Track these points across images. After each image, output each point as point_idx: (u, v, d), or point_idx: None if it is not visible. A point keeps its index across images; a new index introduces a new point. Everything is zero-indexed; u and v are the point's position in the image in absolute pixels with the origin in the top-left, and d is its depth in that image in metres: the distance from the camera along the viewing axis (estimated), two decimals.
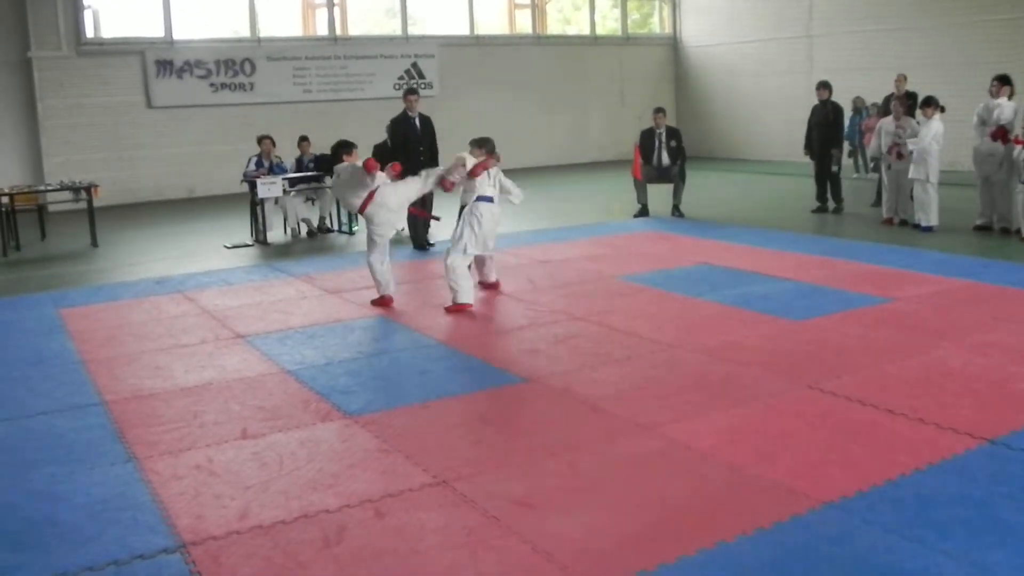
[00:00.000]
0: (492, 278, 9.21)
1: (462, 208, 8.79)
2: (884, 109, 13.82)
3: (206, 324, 8.30)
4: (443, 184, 8.69)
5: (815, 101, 14.10)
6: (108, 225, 14.68)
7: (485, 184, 8.67)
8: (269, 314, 8.50)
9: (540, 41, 24.38)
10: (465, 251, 8.52)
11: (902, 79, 13.86)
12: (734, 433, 5.14)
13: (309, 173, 13.48)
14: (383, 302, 8.69)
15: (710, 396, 5.80)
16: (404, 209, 8.67)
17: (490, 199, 8.71)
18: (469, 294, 8.44)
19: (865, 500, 4.23)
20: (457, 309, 8.35)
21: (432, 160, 11.45)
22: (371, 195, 8.35)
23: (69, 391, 6.47)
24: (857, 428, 5.13)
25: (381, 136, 13.98)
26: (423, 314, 8.36)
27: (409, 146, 11.49)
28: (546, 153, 23.81)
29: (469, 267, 8.70)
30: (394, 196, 8.49)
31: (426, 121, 11.82)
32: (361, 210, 8.49)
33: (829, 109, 13.73)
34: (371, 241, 8.64)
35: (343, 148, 8.70)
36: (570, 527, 4.11)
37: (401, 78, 22.05)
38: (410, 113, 11.71)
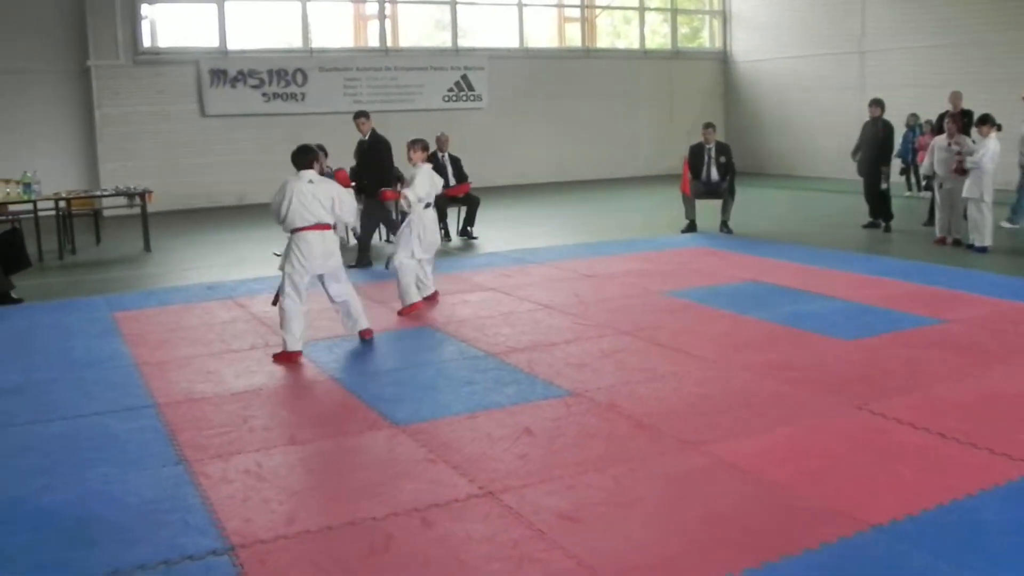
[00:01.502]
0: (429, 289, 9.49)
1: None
2: (938, 127, 13.65)
3: (256, 330, 8.40)
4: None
5: (866, 118, 13.99)
6: (161, 231, 14.90)
7: (433, 189, 9.20)
8: (317, 321, 8.57)
9: (590, 55, 24.41)
10: (413, 255, 8.95)
11: (957, 96, 13.68)
12: (781, 452, 5.11)
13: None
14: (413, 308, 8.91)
15: (757, 415, 5.77)
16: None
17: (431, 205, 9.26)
18: (416, 295, 8.96)
19: (915, 524, 4.18)
20: (411, 310, 8.81)
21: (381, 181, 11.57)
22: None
23: (122, 393, 6.58)
24: (907, 451, 5.08)
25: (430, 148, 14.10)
26: (470, 325, 8.39)
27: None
28: (595, 167, 23.83)
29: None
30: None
31: (371, 143, 11.88)
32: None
33: (880, 127, 13.62)
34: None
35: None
36: (615, 543, 4.12)
37: (451, 90, 22.20)
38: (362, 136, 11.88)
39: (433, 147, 14.01)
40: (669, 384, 6.47)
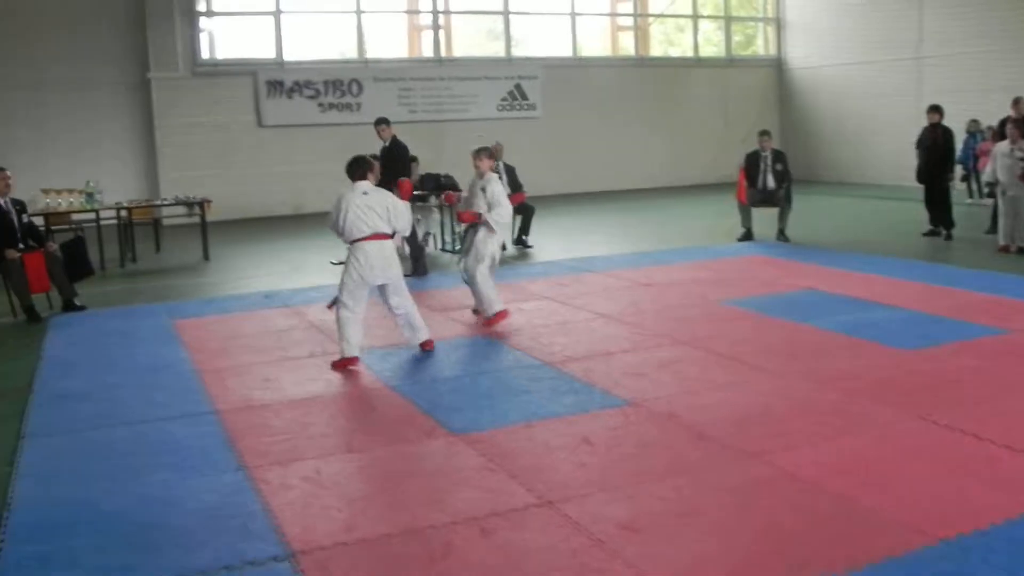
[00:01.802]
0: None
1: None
2: (1000, 133, 13.40)
3: (313, 338, 8.46)
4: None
5: (924, 124, 13.79)
6: (219, 239, 15.09)
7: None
8: (374, 330, 8.61)
9: (643, 63, 24.36)
10: (488, 262, 8.78)
11: (1022, 102, 13.38)
12: (843, 463, 5.03)
13: (414, 192, 13.64)
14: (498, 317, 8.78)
15: (818, 425, 5.69)
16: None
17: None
18: (499, 302, 8.77)
19: (984, 539, 4.09)
20: (496, 320, 8.66)
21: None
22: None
23: (183, 399, 6.66)
24: (974, 463, 4.98)
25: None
26: (526, 334, 8.38)
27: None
28: (649, 175, 23.76)
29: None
30: None
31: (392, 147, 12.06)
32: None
33: (939, 133, 13.42)
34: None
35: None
36: (675, 554, 4.08)
37: (504, 99, 22.26)
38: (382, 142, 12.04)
39: None
40: (728, 394, 6.40)
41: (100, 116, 19.09)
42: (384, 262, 7.44)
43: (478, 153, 9.09)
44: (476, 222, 8.88)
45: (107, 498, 4.89)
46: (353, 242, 7.42)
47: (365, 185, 7.49)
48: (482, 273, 8.73)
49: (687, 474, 4.96)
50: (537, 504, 4.62)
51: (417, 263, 11.72)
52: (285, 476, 5.11)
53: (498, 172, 13.79)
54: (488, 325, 8.64)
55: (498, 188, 8.89)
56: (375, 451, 5.51)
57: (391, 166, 11.63)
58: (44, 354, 8.24)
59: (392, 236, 7.57)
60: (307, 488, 4.93)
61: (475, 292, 8.83)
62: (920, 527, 4.20)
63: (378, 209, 7.40)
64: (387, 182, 11.40)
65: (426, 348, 7.80)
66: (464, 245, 9.24)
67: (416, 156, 13.75)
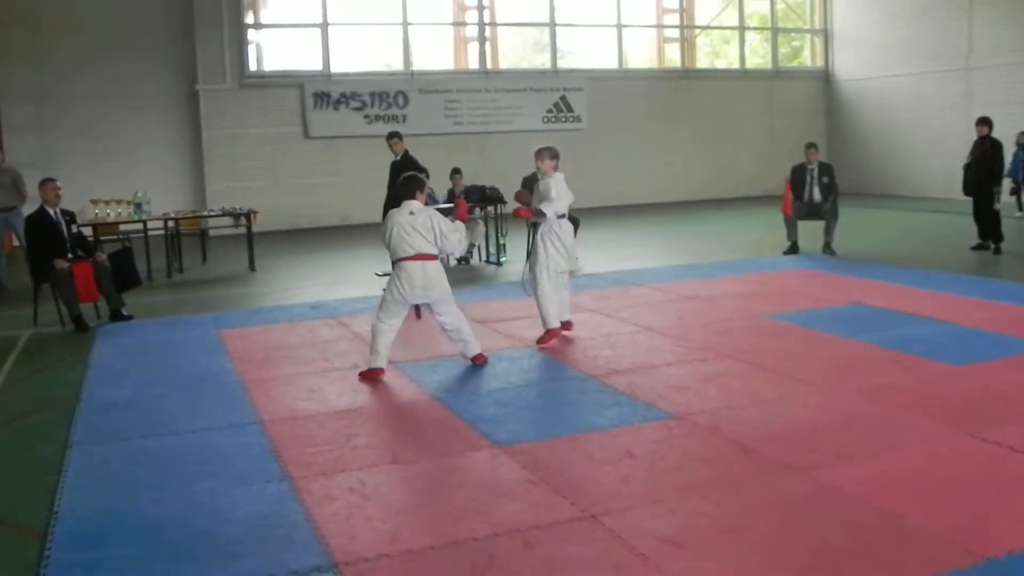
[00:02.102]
0: (564, 315, 8.73)
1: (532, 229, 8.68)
2: None
3: (358, 349, 8.49)
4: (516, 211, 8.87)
5: (974, 136, 13.63)
6: (265, 250, 15.23)
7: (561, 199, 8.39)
8: (418, 341, 8.65)
9: (689, 75, 24.29)
10: (552, 270, 8.35)
11: None
12: (890, 479, 4.96)
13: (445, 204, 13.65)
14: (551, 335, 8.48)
15: (864, 440, 5.63)
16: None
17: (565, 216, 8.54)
18: (555, 318, 8.41)
19: None
20: (547, 338, 8.36)
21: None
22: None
23: (229, 409, 6.72)
24: (1022, 480, 4.90)
25: (529, 168, 14.14)
26: (570, 346, 8.37)
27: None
28: (695, 188, 23.68)
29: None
30: None
31: (404, 162, 12.06)
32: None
33: (988, 145, 13.25)
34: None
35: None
36: (718, 569, 4.05)
37: (550, 111, 22.29)
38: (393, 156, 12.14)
39: (533, 168, 14.10)
40: (773, 408, 6.35)
41: (149, 128, 19.38)
42: (426, 282, 7.40)
43: (540, 153, 8.63)
44: (534, 219, 8.61)
45: (153, 507, 4.94)
46: (396, 261, 7.45)
47: (413, 205, 7.50)
48: (541, 280, 8.36)
49: (731, 489, 4.92)
50: (580, 517, 4.60)
51: None
52: (329, 487, 5.13)
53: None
54: (537, 343, 8.38)
55: (555, 184, 8.42)
56: (419, 463, 5.52)
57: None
58: (92, 363, 8.35)
59: (437, 257, 7.53)
60: (351, 499, 4.95)
61: (538, 300, 8.45)
62: (967, 546, 4.13)
63: (422, 230, 7.38)
64: (396, 196, 11.47)
65: (477, 362, 7.75)
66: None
67: (427, 168, 13.86)
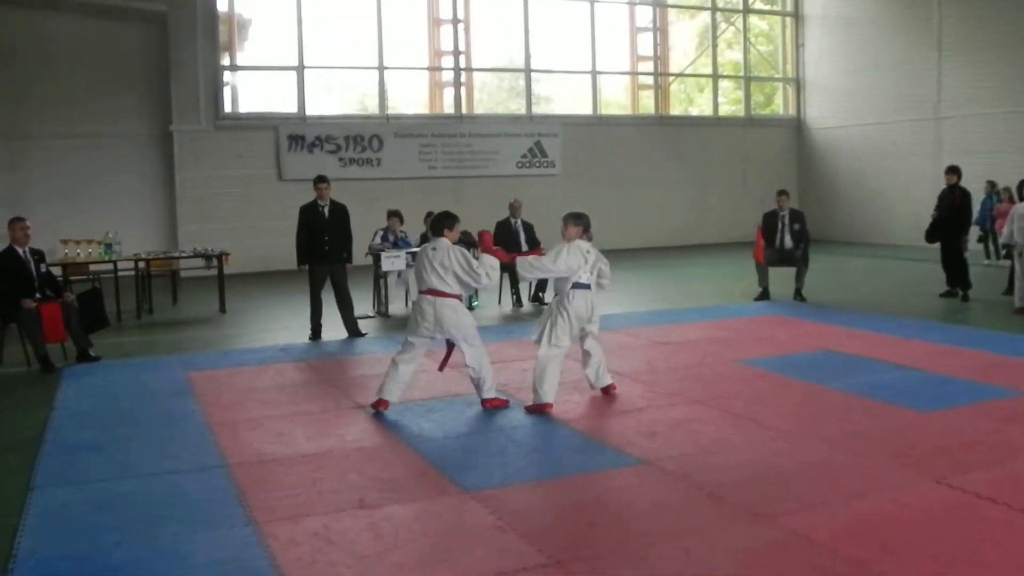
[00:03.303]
0: (605, 380, 8.17)
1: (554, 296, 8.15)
2: (1020, 194, 13.30)
3: (327, 393, 8.45)
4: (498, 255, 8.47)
5: (943, 185, 13.80)
6: (237, 292, 15.16)
7: (582, 269, 7.85)
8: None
9: (663, 121, 24.53)
10: (553, 342, 7.74)
11: None
12: (857, 527, 4.96)
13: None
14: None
15: (832, 487, 5.63)
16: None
17: (586, 286, 7.90)
18: (551, 394, 7.66)
19: None
20: (537, 409, 7.58)
21: (342, 248, 11.38)
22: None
23: (195, 452, 6.65)
24: (990, 527, 4.90)
25: (502, 213, 14.22)
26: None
27: (313, 235, 11.35)
28: (667, 234, 23.82)
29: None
30: None
31: (337, 210, 11.50)
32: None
33: (957, 194, 13.42)
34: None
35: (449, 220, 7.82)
36: None
37: (524, 156, 22.46)
38: (320, 202, 11.45)
39: (506, 214, 14.16)
40: (742, 454, 6.35)
41: (121, 168, 19.34)
42: (436, 319, 7.51)
43: (566, 220, 8.10)
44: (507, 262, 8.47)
45: (115, 551, 4.86)
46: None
47: (438, 241, 7.67)
48: (540, 352, 7.78)
49: (699, 535, 4.91)
50: (547, 564, 4.57)
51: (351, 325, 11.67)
52: (294, 532, 5.07)
53: (516, 229, 13.91)
54: (525, 408, 7.68)
55: (565, 249, 7.88)
56: (385, 508, 5.47)
57: (328, 231, 11.39)
58: (57, 404, 8.25)
59: (457, 296, 7.59)
60: (315, 544, 4.90)
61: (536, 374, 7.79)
62: None
63: (438, 267, 7.50)
64: (329, 248, 11.24)
65: (487, 407, 7.72)
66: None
67: (399, 210, 13.89)
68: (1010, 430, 6.73)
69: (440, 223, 7.75)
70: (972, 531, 4.87)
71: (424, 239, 13.19)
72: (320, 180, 11.59)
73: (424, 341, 7.71)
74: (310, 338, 11.32)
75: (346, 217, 11.59)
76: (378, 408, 7.63)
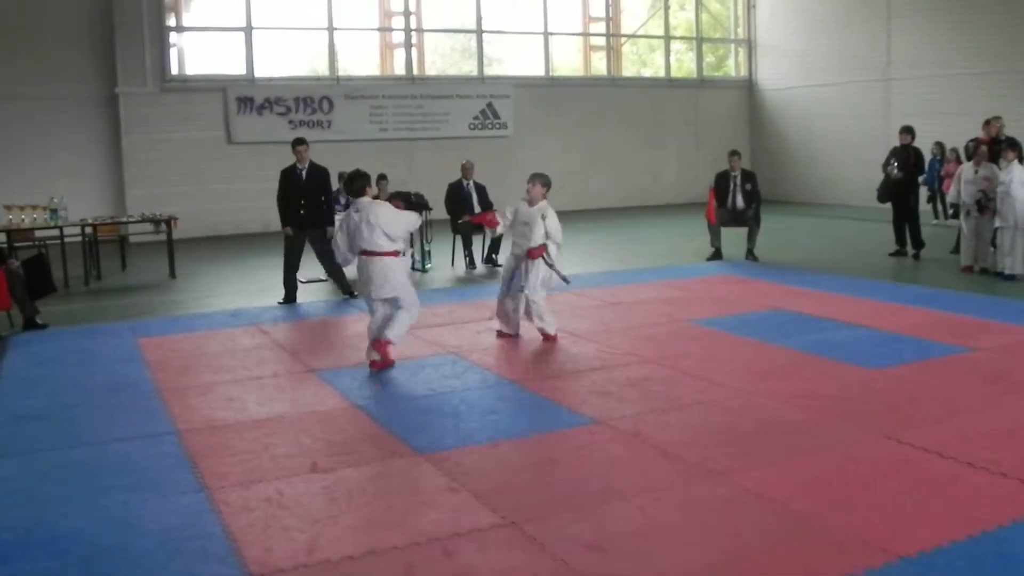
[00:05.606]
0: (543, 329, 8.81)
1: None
2: (969, 154, 13.33)
3: (279, 357, 8.38)
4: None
5: (892, 144, 13.88)
6: (186, 257, 14.98)
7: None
8: (342, 349, 8.56)
9: (615, 83, 24.45)
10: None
11: (994, 123, 13.12)
12: (807, 482, 5.02)
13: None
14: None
15: (783, 444, 5.68)
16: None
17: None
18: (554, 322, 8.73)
19: (944, 556, 4.09)
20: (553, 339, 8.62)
21: (320, 212, 11.26)
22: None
23: (144, 420, 6.56)
24: (936, 481, 4.99)
25: (455, 175, 14.12)
26: (492, 353, 8.35)
27: (289, 198, 11.23)
28: (620, 195, 23.82)
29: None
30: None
31: (315, 173, 11.33)
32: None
33: (911, 153, 13.52)
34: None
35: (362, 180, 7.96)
36: (640, 573, 4.05)
37: (476, 118, 22.27)
38: (298, 165, 11.26)
39: (458, 175, 14.07)
40: (694, 413, 6.39)
41: (66, 131, 18.89)
42: (379, 278, 7.67)
43: (534, 179, 8.68)
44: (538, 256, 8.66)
45: (63, 520, 4.79)
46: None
47: (359, 202, 7.72)
48: (543, 299, 8.75)
49: (652, 493, 4.93)
50: (501, 524, 4.57)
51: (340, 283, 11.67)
52: (246, 497, 5.03)
53: (468, 191, 13.84)
54: (549, 340, 8.67)
55: (551, 217, 8.65)
56: (339, 472, 5.44)
57: (304, 194, 11.29)
58: (2, 374, 8.09)
59: (392, 253, 7.71)
60: (268, 509, 4.86)
61: (539, 315, 8.69)
62: (882, 545, 4.19)
63: (363, 227, 7.58)
64: (305, 212, 11.17)
65: (376, 349, 7.84)
66: (509, 276, 8.89)
67: (385, 174, 13.69)
68: (957, 385, 6.84)
69: (356, 184, 7.78)
70: (919, 484, 4.94)
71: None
72: (298, 142, 11.44)
73: (371, 302, 7.86)
74: (281, 301, 11.17)
75: (325, 180, 11.46)
76: (381, 350, 7.76)
